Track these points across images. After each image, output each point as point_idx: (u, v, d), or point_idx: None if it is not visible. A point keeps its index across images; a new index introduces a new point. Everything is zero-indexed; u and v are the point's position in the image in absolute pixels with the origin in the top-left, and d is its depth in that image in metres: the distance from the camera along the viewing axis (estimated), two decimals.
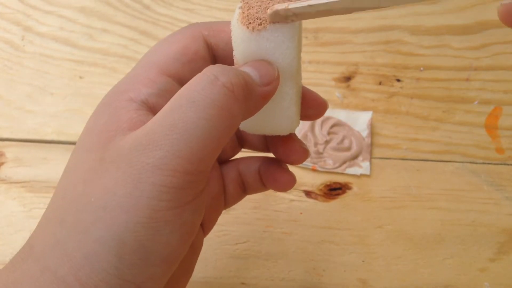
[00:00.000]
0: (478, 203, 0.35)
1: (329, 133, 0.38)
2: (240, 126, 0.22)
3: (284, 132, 0.23)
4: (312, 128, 0.38)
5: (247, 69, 0.20)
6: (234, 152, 0.28)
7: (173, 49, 0.23)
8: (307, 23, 0.43)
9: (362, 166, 0.36)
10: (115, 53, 0.42)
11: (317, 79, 0.41)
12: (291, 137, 0.25)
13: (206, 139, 0.18)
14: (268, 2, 0.20)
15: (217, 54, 0.24)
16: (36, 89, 0.40)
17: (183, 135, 0.18)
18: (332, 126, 0.38)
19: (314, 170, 0.36)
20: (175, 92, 0.19)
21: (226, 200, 0.27)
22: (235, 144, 0.28)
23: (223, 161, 0.27)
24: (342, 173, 0.36)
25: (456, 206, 0.35)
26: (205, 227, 0.26)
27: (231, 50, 0.22)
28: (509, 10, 0.19)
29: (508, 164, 0.37)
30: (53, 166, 0.37)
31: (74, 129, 0.38)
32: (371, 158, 0.37)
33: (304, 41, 0.42)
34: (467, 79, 0.41)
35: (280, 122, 0.23)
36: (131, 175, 0.18)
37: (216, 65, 0.20)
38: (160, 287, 0.20)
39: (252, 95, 0.20)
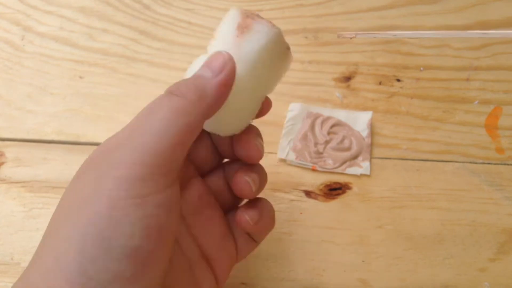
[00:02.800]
0: (478, 203, 0.35)
1: (329, 133, 0.38)
2: (204, 126, 0.24)
3: (228, 132, 0.25)
4: (312, 128, 0.38)
5: (199, 71, 0.22)
6: (213, 162, 0.28)
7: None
8: (307, 23, 0.43)
9: (362, 166, 0.36)
10: (115, 53, 0.42)
11: (317, 79, 0.41)
12: (248, 135, 0.25)
13: (162, 136, 0.19)
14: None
15: None
16: (36, 89, 0.40)
17: (141, 135, 0.20)
18: (332, 126, 0.38)
19: (314, 170, 0.36)
20: None
21: (237, 248, 0.27)
22: (213, 155, 0.27)
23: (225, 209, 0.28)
24: (342, 173, 0.36)
25: (456, 206, 0.35)
26: (217, 274, 0.26)
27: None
28: None
29: (508, 164, 0.37)
30: (53, 166, 0.37)
31: (74, 129, 0.38)
32: (371, 158, 0.37)
33: (304, 41, 0.42)
34: (467, 79, 0.41)
35: (228, 122, 0.24)
36: (96, 175, 0.19)
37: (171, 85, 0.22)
38: None
39: (207, 91, 0.21)
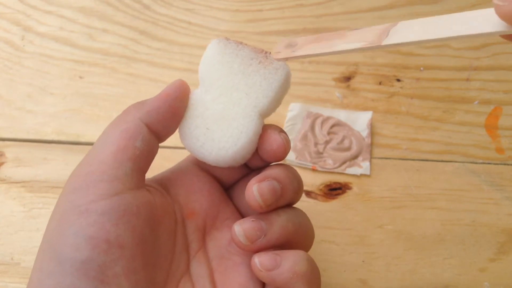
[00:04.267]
0: (478, 203, 0.35)
1: (329, 133, 0.38)
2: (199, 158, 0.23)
3: (224, 165, 0.23)
4: (312, 128, 0.38)
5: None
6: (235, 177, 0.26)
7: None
8: (307, 23, 0.43)
9: (362, 166, 0.36)
10: (115, 53, 0.42)
11: (317, 79, 0.41)
12: (269, 129, 0.24)
13: (101, 146, 0.21)
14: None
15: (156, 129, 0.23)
16: (36, 89, 0.40)
17: (89, 153, 0.21)
18: (332, 126, 0.38)
19: (314, 170, 0.36)
20: None
21: None
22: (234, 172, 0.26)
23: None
24: (342, 173, 0.36)
25: (456, 206, 0.35)
26: None
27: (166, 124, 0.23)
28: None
29: (508, 164, 0.37)
30: (53, 166, 0.37)
31: (74, 129, 0.38)
32: (371, 158, 0.37)
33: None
34: (467, 79, 0.41)
35: (210, 159, 0.23)
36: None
37: None
38: None
39: (144, 104, 0.22)
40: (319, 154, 0.37)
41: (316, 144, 0.37)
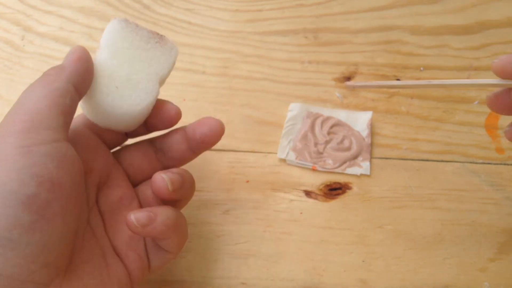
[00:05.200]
0: (478, 203, 0.35)
1: (329, 133, 0.38)
2: (92, 119, 0.28)
3: (121, 128, 0.28)
4: (312, 128, 0.38)
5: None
6: (153, 169, 0.29)
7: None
8: (307, 23, 0.43)
9: (362, 166, 0.36)
10: None
11: (317, 79, 0.41)
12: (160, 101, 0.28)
13: (36, 99, 0.23)
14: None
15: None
16: None
17: (19, 103, 0.23)
18: (332, 126, 0.38)
19: (314, 170, 0.36)
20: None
21: (148, 255, 0.28)
22: (153, 160, 0.30)
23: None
24: (342, 173, 0.36)
25: (456, 206, 0.35)
26: (129, 269, 0.27)
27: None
28: (504, 65, 0.24)
29: (508, 164, 0.37)
30: None
31: None
32: (371, 158, 0.37)
33: (304, 41, 0.42)
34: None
35: (112, 118, 0.27)
36: None
37: None
38: (37, 251, 0.20)
39: (65, 65, 0.25)
40: (319, 154, 0.37)
41: (316, 144, 0.37)
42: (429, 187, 0.36)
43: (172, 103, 0.28)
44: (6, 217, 0.19)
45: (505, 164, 0.37)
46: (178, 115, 0.28)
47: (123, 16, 0.40)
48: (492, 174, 0.37)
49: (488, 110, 0.39)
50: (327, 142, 0.37)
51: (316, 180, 0.36)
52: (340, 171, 0.36)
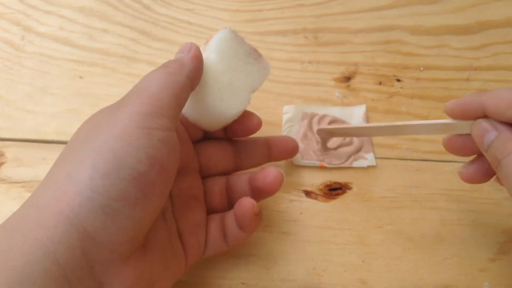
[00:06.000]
0: (478, 203, 0.35)
1: None
2: (185, 113, 0.30)
3: (208, 127, 0.30)
4: (310, 127, 0.38)
5: (176, 55, 0.28)
6: (225, 167, 0.32)
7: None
8: (307, 23, 0.43)
9: (367, 158, 0.37)
10: (115, 53, 0.42)
11: (317, 79, 0.41)
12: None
13: (160, 87, 0.24)
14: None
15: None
16: (36, 89, 0.40)
17: (144, 87, 0.25)
18: (330, 123, 0.38)
19: (322, 167, 0.36)
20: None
21: (207, 241, 0.30)
22: (229, 160, 0.32)
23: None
24: (342, 173, 0.36)
25: (456, 206, 0.35)
26: (187, 254, 0.28)
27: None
28: (452, 108, 0.28)
29: None
30: None
31: (74, 129, 0.38)
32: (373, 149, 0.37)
33: (304, 41, 0.42)
34: (467, 79, 0.41)
35: (205, 114, 0.29)
36: (112, 113, 0.24)
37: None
38: (132, 225, 0.22)
39: (185, 61, 0.26)
40: (324, 151, 0.37)
41: (317, 142, 0.37)
42: (429, 187, 0.36)
43: (256, 115, 0.31)
44: (117, 189, 0.21)
45: None
46: (259, 125, 0.31)
47: (123, 16, 0.40)
48: None
49: None
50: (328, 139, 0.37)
51: (316, 180, 0.36)
52: (348, 166, 0.36)
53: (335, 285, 0.32)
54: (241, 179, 0.31)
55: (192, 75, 0.26)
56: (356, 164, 0.36)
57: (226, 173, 0.32)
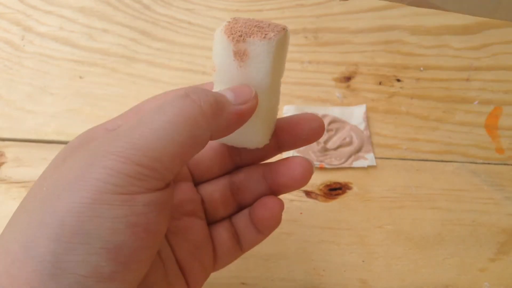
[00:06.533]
0: (478, 203, 0.35)
1: (328, 130, 0.38)
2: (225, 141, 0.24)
3: (250, 145, 0.24)
4: None
5: (224, 91, 0.21)
6: (218, 171, 0.26)
7: (153, 98, 0.24)
8: (307, 23, 0.43)
9: (367, 158, 0.37)
10: (115, 53, 0.42)
11: (317, 79, 0.41)
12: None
13: (167, 141, 0.18)
14: (254, 22, 0.22)
15: None
16: (36, 89, 0.40)
17: (145, 132, 0.18)
18: (330, 123, 0.38)
19: (322, 168, 0.36)
20: None
21: (217, 255, 0.25)
22: (221, 164, 0.26)
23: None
24: (343, 172, 0.36)
25: (456, 206, 0.35)
26: (189, 282, 0.24)
27: None
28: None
29: (508, 164, 0.37)
30: None
31: (74, 129, 0.38)
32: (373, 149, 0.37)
33: (304, 41, 0.42)
34: (467, 79, 0.41)
35: (247, 135, 0.23)
36: (86, 161, 0.18)
37: (190, 86, 0.20)
38: None
39: (223, 112, 0.20)
40: (324, 151, 0.37)
41: (318, 142, 0.37)
42: (429, 187, 0.36)
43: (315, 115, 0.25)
44: (86, 264, 0.17)
45: (505, 164, 0.37)
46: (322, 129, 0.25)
47: (123, 16, 0.39)
48: (492, 174, 0.37)
49: (488, 110, 0.39)
50: (328, 139, 0.37)
51: (316, 180, 0.36)
52: (347, 166, 0.36)
53: (335, 285, 0.32)
54: (251, 175, 0.25)
55: (219, 131, 0.20)
56: (356, 164, 0.36)
57: (224, 174, 0.27)
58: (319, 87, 0.40)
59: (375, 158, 0.37)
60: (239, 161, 0.26)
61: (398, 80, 0.41)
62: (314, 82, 0.41)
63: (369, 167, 0.37)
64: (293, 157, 0.24)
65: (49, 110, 0.39)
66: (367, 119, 0.38)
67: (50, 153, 0.37)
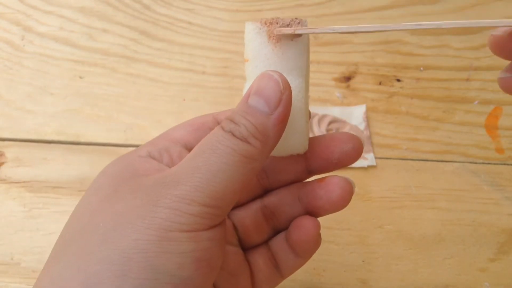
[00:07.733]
0: (478, 203, 0.35)
1: (327, 130, 0.38)
2: None
3: (295, 150, 0.22)
4: (310, 127, 0.38)
5: (253, 102, 0.20)
6: (250, 194, 0.26)
7: (180, 125, 0.24)
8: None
9: (367, 158, 0.37)
10: (115, 53, 0.42)
11: (317, 79, 0.41)
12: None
13: (227, 181, 0.18)
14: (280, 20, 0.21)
15: None
16: (36, 89, 0.40)
17: (205, 175, 0.18)
18: (330, 123, 0.38)
19: None
20: (177, 151, 0.22)
21: (255, 282, 0.25)
22: (253, 184, 0.26)
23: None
24: (348, 168, 0.36)
25: (456, 206, 0.35)
26: None
27: None
28: (499, 41, 0.21)
29: (508, 164, 0.37)
30: (53, 166, 0.37)
31: (74, 129, 0.38)
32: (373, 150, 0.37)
33: None
34: (467, 79, 0.41)
35: (288, 139, 0.22)
36: (148, 201, 0.18)
37: (227, 119, 0.20)
38: None
39: (270, 133, 0.19)
40: None
41: None
42: (429, 187, 0.36)
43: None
44: None
45: (505, 164, 0.37)
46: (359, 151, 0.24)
47: (123, 16, 0.39)
48: (492, 174, 0.37)
49: (488, 110, 0.39)
50: None
51: None
52: (348, 166, 0.36)
53: (335, 285, 0.32)
54: (285, 198, 0.25)
55: (272, 149, 0.20)
56: (356, 164, 0.36)
57: (253, 198, 0.26)
58: (319, 87, 0.40)
59: (375, 158, 0.37)
60: (267, 184, 0.26)
61: (398, 80, 0.41)
62: (314, 82, 0.40)
63: (369, 167, 0.37)
64: (330, 177, 0.23)
65: (49, 110, 0.39)
66: (367, 119, 0.38)
67: (50, 153, 0.37)
